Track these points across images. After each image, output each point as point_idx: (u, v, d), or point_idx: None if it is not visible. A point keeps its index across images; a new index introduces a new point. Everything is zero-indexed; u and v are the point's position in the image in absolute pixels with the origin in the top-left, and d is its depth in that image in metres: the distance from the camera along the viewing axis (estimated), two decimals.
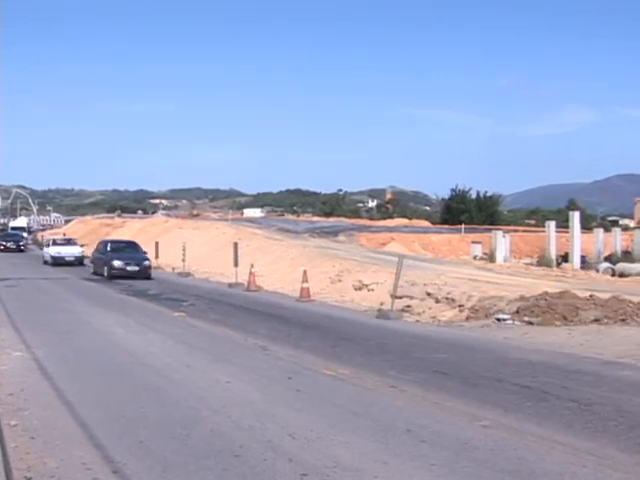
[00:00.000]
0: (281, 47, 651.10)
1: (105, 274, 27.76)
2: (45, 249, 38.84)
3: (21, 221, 76.16)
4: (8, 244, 51.01)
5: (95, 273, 29.42)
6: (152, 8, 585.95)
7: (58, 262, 35.29)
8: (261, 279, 23.97)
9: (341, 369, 9.95)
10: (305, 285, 20.00)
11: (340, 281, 22.80)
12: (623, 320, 14.56)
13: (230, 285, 23.80)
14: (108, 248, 30.02)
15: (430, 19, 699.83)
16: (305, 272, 20.42)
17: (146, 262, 28.38)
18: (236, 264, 24.03)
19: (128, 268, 27.40)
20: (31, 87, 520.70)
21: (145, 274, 27.51)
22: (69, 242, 39.99)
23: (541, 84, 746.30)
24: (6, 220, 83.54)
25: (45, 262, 36.96)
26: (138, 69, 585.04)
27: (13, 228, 64.85)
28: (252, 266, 23.37)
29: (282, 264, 28.77)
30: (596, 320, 14.53)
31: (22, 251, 50.28)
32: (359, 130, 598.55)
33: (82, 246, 39.41)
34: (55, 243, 38.74)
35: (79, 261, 36.02)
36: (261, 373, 9.64)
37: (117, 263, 27.69)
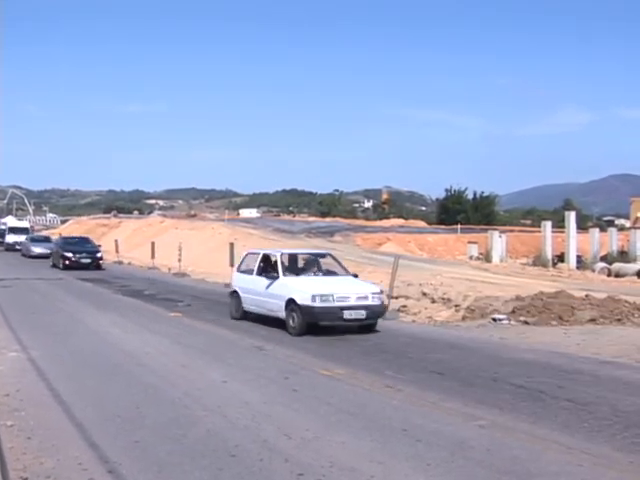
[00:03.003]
0: (277, 47, 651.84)
1: None
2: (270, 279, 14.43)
3: (12, 220, 60.40)
4: (78, 257, 32.06)
5: None
6: (148, 8, 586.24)
7: (332, 322, 13.39)
8: None
9: (337, 369, 9.96)
10: None
11: None
12: (619, 320, 14.60)
13: (226, 285, 23.73)
14: None
15: (427, 19, 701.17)
16: None
17: None
18: (232, 264, 23.98)
19: None
20: (27, 87, 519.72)
21: None
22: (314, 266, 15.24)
23: (537, 85, 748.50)
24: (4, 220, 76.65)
25: (260, 315, 14.82)
26: (133, 70, 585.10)
27: (12, 229, 49.89)
28: None
29: None
30: (592, 320, 14.57)
31: (99, 267, 32.27)
32: (354, 130, 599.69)
33: (356, 276, 15.18)
34: (292, 267, 15.21)
35: (373, 317, 13.60)
36: (257, 373, 9.63)
37: None
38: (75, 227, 68.90)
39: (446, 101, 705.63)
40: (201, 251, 36.63)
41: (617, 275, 31.52)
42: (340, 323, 13.33)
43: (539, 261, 36.26)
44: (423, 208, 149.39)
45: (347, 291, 13.50)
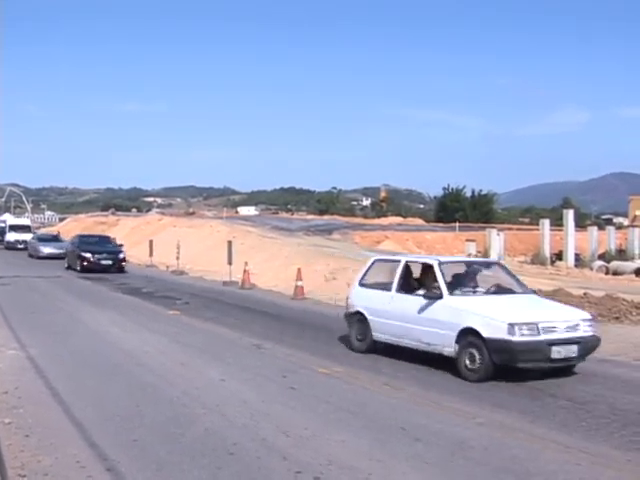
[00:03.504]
0: (277, 47, 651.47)
1: None
2: None
3: (11, 217, 58.30)
4: (97, 257, 29.10)
5: None
6: (148, 8, 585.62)
7: None
8: (255, 277, 23.91)
9: (336, 367, 9.95)
10: (299, 283, 19.95)
11: (334, 279, 22.73)
12: (617, 318, 14.59)
13: (224, 283, 23.75)
14: None
15: (427, 19, 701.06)
16: (299, 270, 20.38)
17: None
18: (230, 262, 23.97)
19: None
20: (27, 87, 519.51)
21: None
22: None
23: (537, 85, 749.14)
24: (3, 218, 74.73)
25: None
26: (132, 69, 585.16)
27: (13, 227, 47.35)
28: (246, 264, 23.32)
29: (276, 262, 28.71)
30: None
31: (121, 270, 29.28)
32: (353, 129, 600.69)
33: (536, 292, 11.69)
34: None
35: (584, 355, 9.60)
36: (256, 371, 9.63)
37: None
38: (73, 225, 68.72)
39: (446, 101, 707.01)
40: (199, 249, 36.53)
41: (615, 273, 31.51)
42: (546, 365, 9.24)
43: (537, 259, 36.23)
44: (421, 206, 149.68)
45: (552, 318, 9.48)
